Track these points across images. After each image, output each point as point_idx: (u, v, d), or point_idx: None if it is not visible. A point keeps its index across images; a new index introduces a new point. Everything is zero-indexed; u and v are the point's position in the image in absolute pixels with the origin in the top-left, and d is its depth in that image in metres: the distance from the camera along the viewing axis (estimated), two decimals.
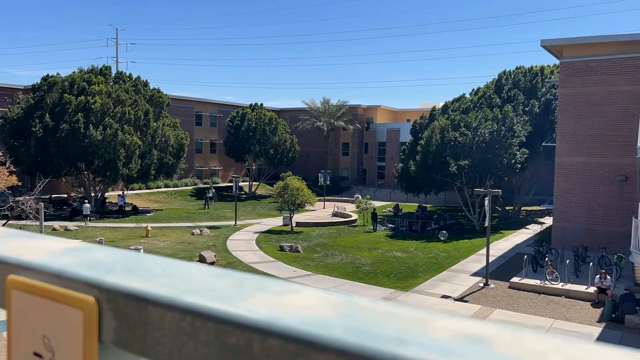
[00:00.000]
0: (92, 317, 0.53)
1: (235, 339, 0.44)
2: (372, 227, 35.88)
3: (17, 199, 26.55)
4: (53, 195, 42.37)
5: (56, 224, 33.81)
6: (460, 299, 20.28)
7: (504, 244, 30.81)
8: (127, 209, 41.46)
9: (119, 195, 42.50)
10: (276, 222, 37.61)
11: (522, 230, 35.85)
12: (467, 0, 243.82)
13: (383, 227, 36.78)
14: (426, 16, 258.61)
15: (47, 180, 30.58)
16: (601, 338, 16.27)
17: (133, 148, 39.12)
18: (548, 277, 21.34)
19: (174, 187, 53.07)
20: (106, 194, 43.61)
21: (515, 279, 22.06)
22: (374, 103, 64.99)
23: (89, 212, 36.60)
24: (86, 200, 38.19)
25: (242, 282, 0.53)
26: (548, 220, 36.53)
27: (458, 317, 0.44)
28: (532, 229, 35.93)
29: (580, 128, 27.68)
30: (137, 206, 42.49)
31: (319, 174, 52.53)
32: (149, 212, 41.64)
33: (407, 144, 42.27)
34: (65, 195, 43.34)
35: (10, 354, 0.61)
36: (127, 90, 41.58)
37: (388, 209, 45.22)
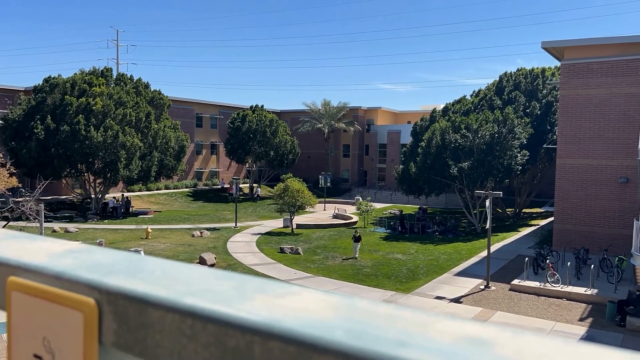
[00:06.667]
0: (92, 319, 0.53)
1: (236, 341, 0.44)
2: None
3: (17, 200, 26.51)
4: (59, 198, 42.41)
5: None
6: (461, 301, 20.26)
7: (504, 246, 30.75)
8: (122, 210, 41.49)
9: (112, 197, 42.46)
10: (276, 224, 37.58)
11: (523, 232, 35.78)
12: (468, 3, 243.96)
13: (377, 229, 36.82)
14: (427, 19, 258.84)
15: (47, 182, 30.53)
16: (602, 340, 16.23)
17: (134, 150, 39.11)
18: (549, 279, 21.31)
19: (174, 188, 53.06)
20: (107, 196, 43.62)
21: (516, 281, 22.03)
22: (374, 105, 65.02)
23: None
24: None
25: (243, 284, 0.53)
26: (547, 222, 36.45)
27: (459, 319, 0.44)
28: (533, 231, 35.88)
29: (581, 130, 27.65)
30: (133, 206, 42.14)
31: (320, 176, 52.54)
32: (146, 213, 41.40)
33: (407, 145, 42.22)
34: (72, 199, 43.24)
35: (11, 356, 0.61)
36: (129, 92, 41.59)
37: (389, 211, 45.21)
